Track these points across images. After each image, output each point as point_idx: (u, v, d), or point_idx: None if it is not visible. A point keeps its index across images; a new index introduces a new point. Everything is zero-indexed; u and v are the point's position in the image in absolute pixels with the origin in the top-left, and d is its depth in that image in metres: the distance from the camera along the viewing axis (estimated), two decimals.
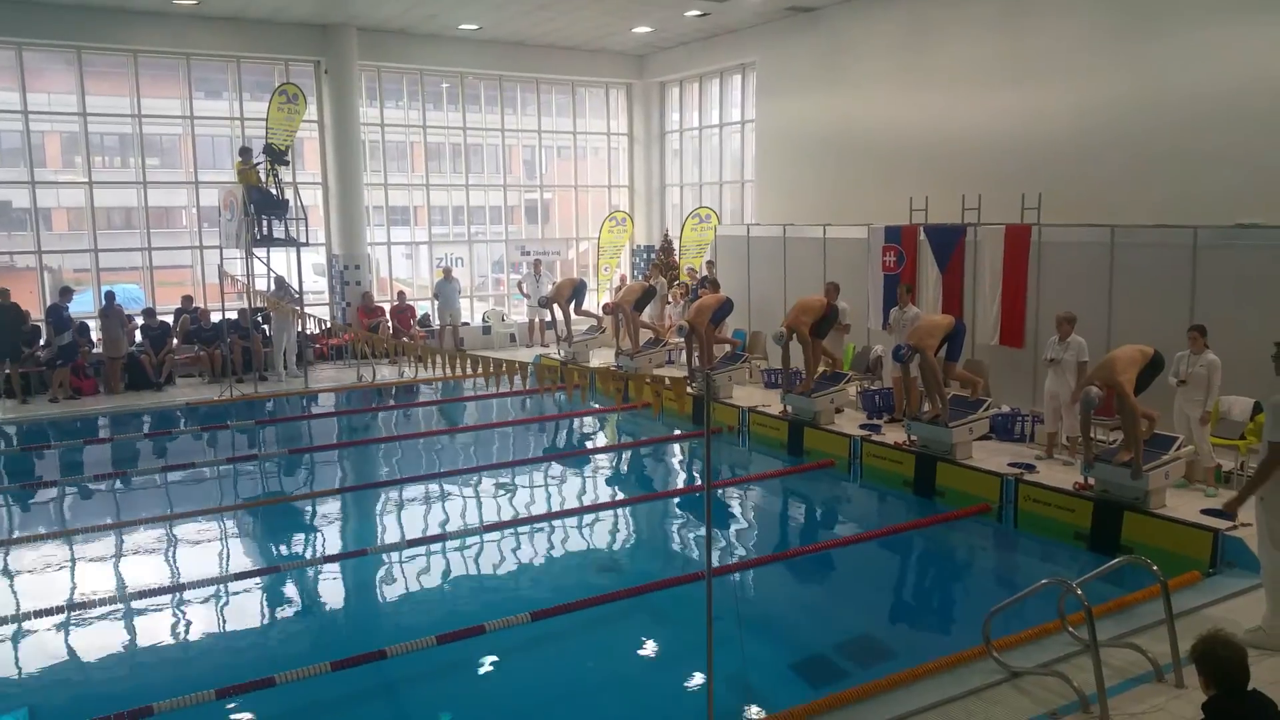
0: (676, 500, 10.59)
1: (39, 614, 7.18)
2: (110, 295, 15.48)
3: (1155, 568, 6.04)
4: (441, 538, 9.06)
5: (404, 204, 20.38)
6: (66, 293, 15.09)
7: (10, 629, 7.07)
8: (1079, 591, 5.54)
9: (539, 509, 10.28)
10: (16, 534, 9.38)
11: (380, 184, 19.69)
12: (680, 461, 12.44)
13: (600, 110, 22.13)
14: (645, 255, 21.91)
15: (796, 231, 15.42)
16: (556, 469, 11.86)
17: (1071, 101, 12.79)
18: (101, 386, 15.38)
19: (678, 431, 13.39)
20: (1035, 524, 8.94)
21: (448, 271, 19.13)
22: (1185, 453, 8.60)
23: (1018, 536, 9.13)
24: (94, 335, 15.71)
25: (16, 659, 6.77)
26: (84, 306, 16.52)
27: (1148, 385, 8.72)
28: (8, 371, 14.64)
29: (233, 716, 5.79)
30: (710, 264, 17.79)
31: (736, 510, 10.29)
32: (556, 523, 9.66)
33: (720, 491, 10.46)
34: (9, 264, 17.30)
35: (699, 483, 10.58)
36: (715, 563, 7.51)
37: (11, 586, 8.11)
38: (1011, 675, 5.77)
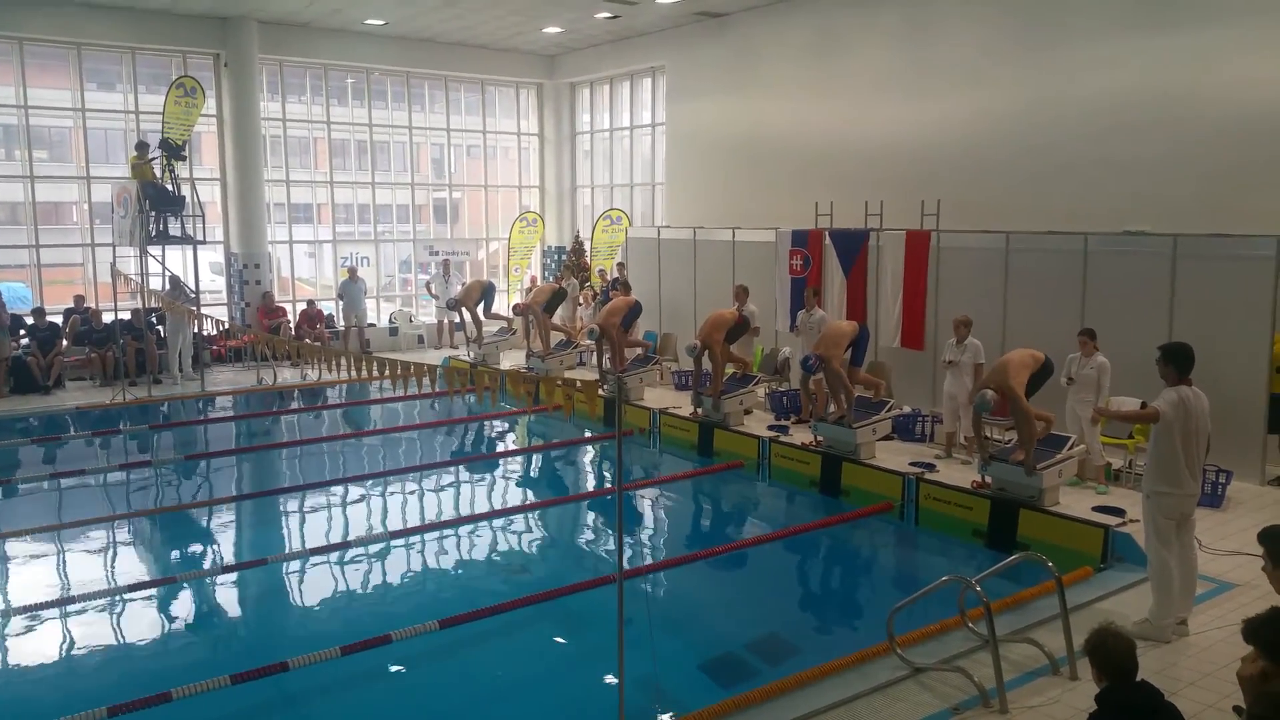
0: (588, 503, 10.55)
1: None
2: None
3: (1050, 564, 6.25)
4: (346, 545, 8.85)
5: (307, 201, 19.88)
6: None
7: None
8: (978, 588, 5.72)
9: (448, 513, 10.15)
10: None
11: (282, 180, 19.17)
12: (591, 464, 12.42)
13: (510, 110, 21.96)
14: (556, 256, 21.82)
15: (706, 234, 15.56)
16: (466, 473, 11.71)
17: (970, 111, 13.20)
18: None
19: (589, 434, 13.37)
20: (935, 521, 9.17)
21: (353, 271, 18.71)
22: (1077, 452, 8.95)
23: (919, 534, 9.35)
24: None
25: None
26: None
27: (1039, 388, 9.05)
28: None
29: None
30: (621, 266, 17.81)
31: (648, 512, 10.32)
32: (466, 528, 9.54)
33: (632, 493, 10.48)
34: None
35: (610, 485, 10.58)
36: (626, 565, 7.54)
37: None
38: (914, 671, 5.91)
